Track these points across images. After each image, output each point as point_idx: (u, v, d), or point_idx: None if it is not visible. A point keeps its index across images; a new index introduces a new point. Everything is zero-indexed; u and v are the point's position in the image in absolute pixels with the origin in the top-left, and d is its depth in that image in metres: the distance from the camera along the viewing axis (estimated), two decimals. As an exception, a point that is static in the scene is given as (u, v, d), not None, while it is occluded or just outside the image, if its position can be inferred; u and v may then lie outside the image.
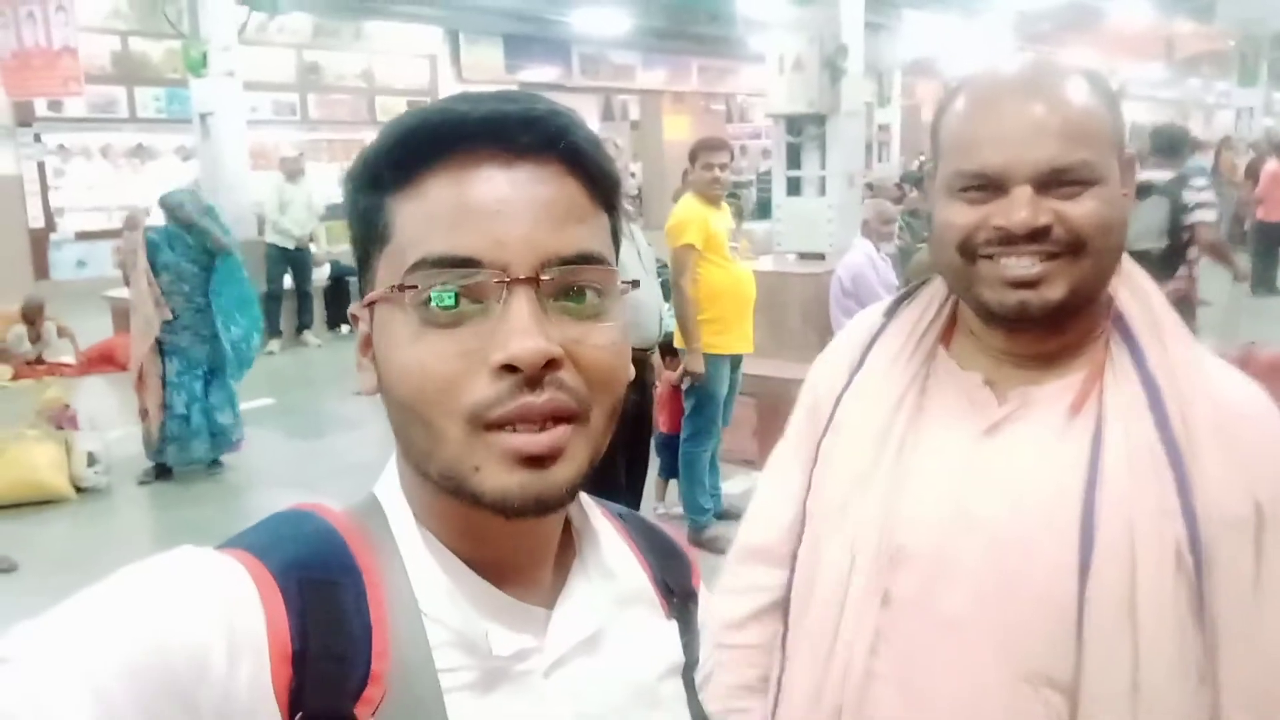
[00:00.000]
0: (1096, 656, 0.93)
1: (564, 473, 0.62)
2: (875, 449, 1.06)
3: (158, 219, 5.74)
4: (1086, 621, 0.93)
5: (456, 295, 0.60)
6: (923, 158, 16.94)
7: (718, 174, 4.54)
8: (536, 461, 0.60)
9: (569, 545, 0.74)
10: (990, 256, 0.98)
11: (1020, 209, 0.95)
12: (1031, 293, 0.97)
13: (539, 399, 0.59)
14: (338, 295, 10.64)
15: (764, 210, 8.46)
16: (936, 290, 1.13)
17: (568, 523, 0.74)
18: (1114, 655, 0.92)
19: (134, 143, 13.75)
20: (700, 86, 21.00)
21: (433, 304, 0.60)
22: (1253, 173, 10.12)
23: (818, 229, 6.11)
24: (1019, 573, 0.97)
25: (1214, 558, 0.93)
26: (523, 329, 0.59)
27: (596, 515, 0.76)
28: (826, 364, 1.19)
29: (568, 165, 0.64)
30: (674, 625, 0.78)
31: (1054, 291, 0.96)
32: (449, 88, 16.30)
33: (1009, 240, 0.96)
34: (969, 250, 0.99)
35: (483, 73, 16.54)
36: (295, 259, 9.57)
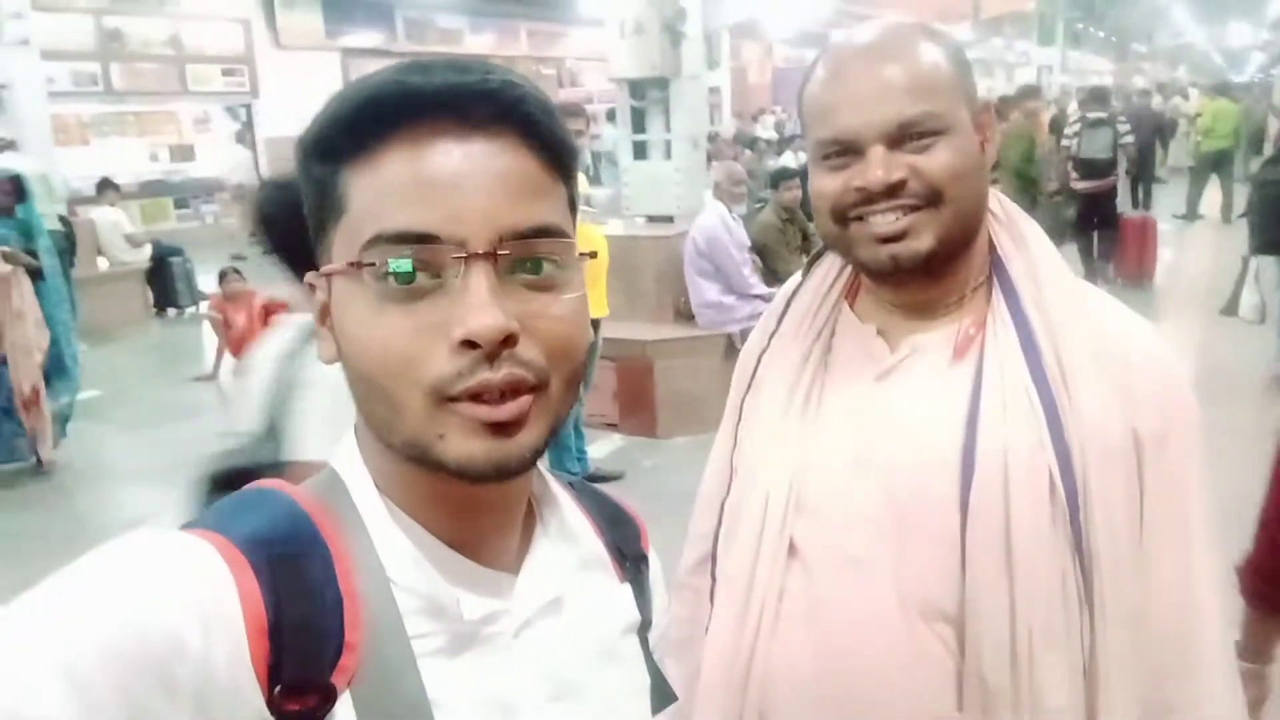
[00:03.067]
0: (976, 587, 0.97)
1: (526, 439, 0.63)
2: (785, 403, 1.12)
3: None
4: (968, 554, 0.98)
5: (413, 271, 0.60)
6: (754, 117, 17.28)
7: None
8: (500, 429, 0.61)
9: (530, 512, 0.75)
10: (861, 218, 1.02)
11: (875, 168, 0.99)
12: (900, 245, 1.01)
13: (497, 374, 0.60)
14: (161, 276, 10.06)
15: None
16: None
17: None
18: (991, 585, 0.97)
19: (-86, 118, 12.56)
20: (530, 51, 20.74)
21: (390, 280, 0.60)
22: (1056, 127, 10.72)
23: (665, 191, 6.13)
24: (910, 512, 1.02)
25: (1089, 488, 0.96)
26: (481, 305, 0.59)
27: (555, 483, 0.78)
28: (757, 328, 1.24)
29: (523, 136, 0.64)
30: (628, 588, 0.81)
31: (921, 242, 1.01)
32: (266, 54, 15.53)
33: (871, 199, 1.01)
34: (840, 215, 1.04)
35: (301, 38, 15.84)
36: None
